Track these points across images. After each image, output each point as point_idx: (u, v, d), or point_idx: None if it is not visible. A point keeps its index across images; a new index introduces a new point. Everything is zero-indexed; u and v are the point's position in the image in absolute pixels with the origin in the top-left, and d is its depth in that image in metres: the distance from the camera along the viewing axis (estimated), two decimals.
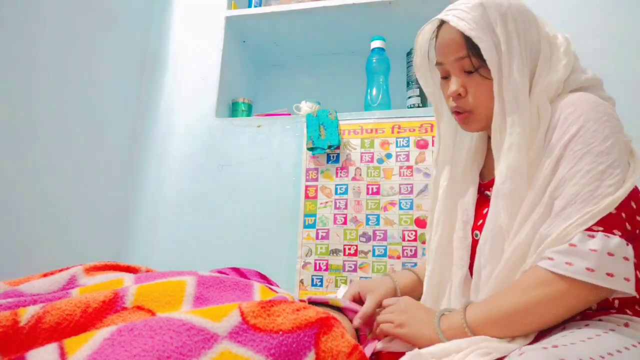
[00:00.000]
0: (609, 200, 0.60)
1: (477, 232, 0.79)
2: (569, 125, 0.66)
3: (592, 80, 0.75)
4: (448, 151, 0.88)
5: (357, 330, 0.81)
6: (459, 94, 0.75)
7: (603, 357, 0.51)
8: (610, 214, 0.60)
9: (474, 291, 0.75)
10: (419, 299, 0.84)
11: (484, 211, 0.79)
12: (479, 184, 0.84)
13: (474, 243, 0.78)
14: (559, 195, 0.64)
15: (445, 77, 0.79)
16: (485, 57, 0.70)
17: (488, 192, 0.80)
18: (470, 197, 0.82)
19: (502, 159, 0.71)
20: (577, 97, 0.69)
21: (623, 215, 0.61)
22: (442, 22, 0.77)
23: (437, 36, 0.79)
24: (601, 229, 0.60)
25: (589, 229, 0.60)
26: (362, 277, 1.34)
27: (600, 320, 0.63)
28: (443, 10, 0.78)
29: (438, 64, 0.79)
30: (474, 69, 0.73)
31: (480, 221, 0.79)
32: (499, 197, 0.71)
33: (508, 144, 0.70)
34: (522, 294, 0.62)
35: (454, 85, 0.76)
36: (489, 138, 0.86)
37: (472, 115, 0.76)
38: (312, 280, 1.37)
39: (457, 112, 0.78)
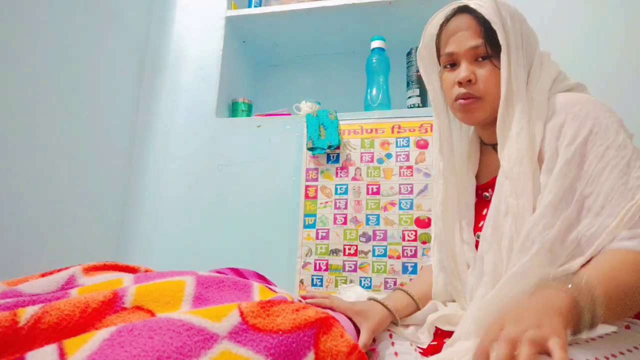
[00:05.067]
0: None
1: (479, 233, 0.79)
2: (581, 122, 0.68)
3: (577, 86, 0.79)
4: (445, 150, 0.88)
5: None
6: (469, 80, 0.76)
7: (607, 358, 0.51)
8: None
9: (477, 278, 0.75)
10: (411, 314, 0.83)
11: (484, 212, 0.79)
12: (477, 185, 0.85)
13: (476, 244, 0.79)
14: (591, 193, 0.65)
15: (451, 67, 0.79)
16: (501, 42, 0.73)
17: (487, 194, 0.80)
18: (470, 198, 0.83)
19: (512, 142, 0.72)
20: (578, 96, 0.72)
21: None
22: (454, 14, 0.80)
23: (443, 27, 0.81)
24: None
25: None
26: (362, 277, 1.34)
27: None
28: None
29: (447, 53, 0.79)
30: (488, 56, 0.75)
31: (482, 223, 0.79)
32: (506, 181, 0.71)
33: (517, 128, 0.72)
34: (634, 274, 0.58)
35: (464, 71, 0.76)
36: (482, 142, 0.87)
37: (479, 102, 0.76)
38: (312, 280, 1.37)
39: (463, 99, 0.77)
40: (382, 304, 0.80)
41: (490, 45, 0.74)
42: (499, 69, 0.74)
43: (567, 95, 0.73)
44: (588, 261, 0.63)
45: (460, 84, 0.77)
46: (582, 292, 0.52)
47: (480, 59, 0.76)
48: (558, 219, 0.65)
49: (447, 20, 0.80)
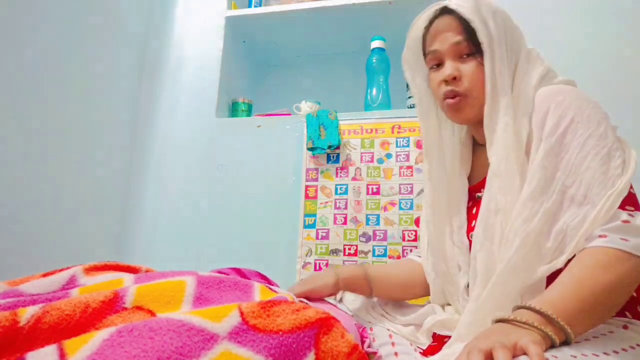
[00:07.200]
0: (624, 181, 0.62)
1: (472, 233, 0.78)
2: (563, 111, 0.68)
3: (566, 82, 0.78)
4: (433, 153, 0.88)
5: None
6: (454, 77, 0.77)
7: (597, 355, 0.51)
8: (630, 193, 0.62)
9: (472, 278, 0.75)
10: (364, 293, 0.88)
11: (474, 211, 0.79)
12: (469, 187, 0.85)
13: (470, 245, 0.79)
14: (572, 183, 0.64)
15: (437, 66, 0.81)
16: (480, 39, 0.74)
17: (479, 194, 0.80)
18: (462, 200, 0.83)
19: (498, 139, 0.72)
20: (562, 87, 0.73)
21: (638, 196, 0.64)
22: (437, 15, 0.81)
23: (428, 28, 0.82)
24: (632, 209, 0.62)
25: (625, 209, 0.61)
26: None
27: None
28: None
29: (431, 52, 0.80)
30: (470, 53, 0.76)
31: (474, 222, 0.79)
32: (495, 178, 0.71)
33: (503, 124, 0.72)
34: (606, 272, 0.57)
35: (449, 69, 0.77)
36: (475, 142, 0.86)
37: (465, 100, 0.77)
38: None
39: (449, 98, 0.78)
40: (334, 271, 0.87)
41: (472, 43, 0.75)
42: (483, 65, 0.75)
43: (551, 87, 0.73)
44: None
45: (445, 82, 0.78)
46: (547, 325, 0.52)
47: (464, 56, 0.77)
48: (539, 211, 0.65)
49: (431, 22, 0.82)
